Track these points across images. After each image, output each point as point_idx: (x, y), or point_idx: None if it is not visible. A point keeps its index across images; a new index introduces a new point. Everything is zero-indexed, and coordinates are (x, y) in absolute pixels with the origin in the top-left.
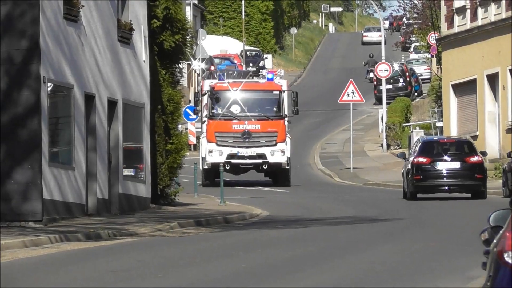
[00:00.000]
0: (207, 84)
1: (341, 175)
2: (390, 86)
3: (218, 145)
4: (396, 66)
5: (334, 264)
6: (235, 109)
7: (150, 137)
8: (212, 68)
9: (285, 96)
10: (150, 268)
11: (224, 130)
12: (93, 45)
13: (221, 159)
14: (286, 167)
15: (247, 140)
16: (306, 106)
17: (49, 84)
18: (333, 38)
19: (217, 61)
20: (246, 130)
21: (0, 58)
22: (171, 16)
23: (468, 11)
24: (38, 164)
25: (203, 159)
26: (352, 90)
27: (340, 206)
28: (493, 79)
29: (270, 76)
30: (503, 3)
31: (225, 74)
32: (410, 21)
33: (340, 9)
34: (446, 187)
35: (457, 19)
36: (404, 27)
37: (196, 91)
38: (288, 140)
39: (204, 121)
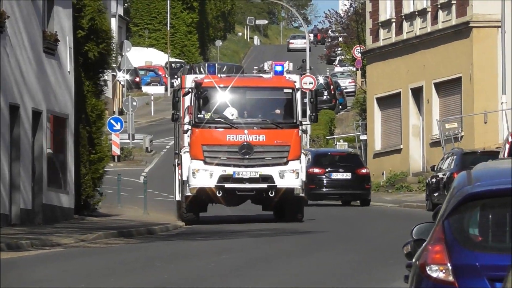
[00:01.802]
0: (190, 80)
1: None
2: None
3: (206, 163)
4: (321, 79)
5: (258, 275)
6: (231, 113)
7: (74, 147)
8: (137, 79)
9: (298, 96)
10: (73, 278)
11: (215, 143)
12: (18, 56)
13: (211, 183)
14: (300, 194)
15: (247, 156)
16: None
17: None
18: (258, 50)
19: (141, 72)
20: (245, 143)
21: None
22: (96, 26)
23: (394, 24)
24: None
25: (185, 182)
26: None
27: (263, 218)
28: (417, 93)
29: (279, 68)
30: (428, 17)
31: (212, 67)
32: (335, 34)
33: (266, 21)
34: (338, 196)
35: (382, 32)
36: (329, 40)
37: (176, 88)
38: (303, 157)
39: (187, 130)
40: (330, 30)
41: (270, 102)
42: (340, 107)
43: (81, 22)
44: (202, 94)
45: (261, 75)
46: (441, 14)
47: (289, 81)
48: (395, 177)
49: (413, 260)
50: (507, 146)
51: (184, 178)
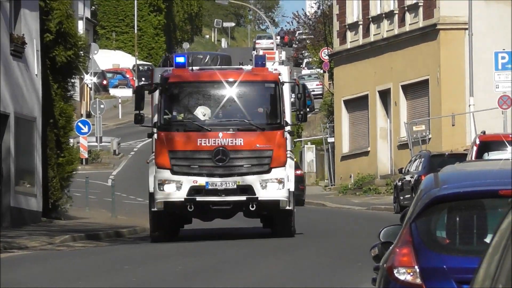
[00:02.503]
0: (159, 73)
1: None
2: None
3: (174, 172)
4: None
5: (224, 278)
6: (203, 113)
7: (41, 150)
8: (105, 82)
9: (286, 90)
10: (40, 282)
11: (185, 148)
12: None
13: (180, 195)
14: (287, 207)
15: (221, 163)
16: None
17: None
18: (225, 52)
19: (109, 75)
20: (220, 148)
21: None
22: (64, 30)
23: (361, 27)
24: None
25: (151, 195)
26: None
27: (231, 220)
28: (385, 95)
29: (260, 59)
30: (396, 19)
31: (190, 57)
32: (302, 36)
33: (233, 24)
34: None
35: (349, 34)
36: (297, 42)
37: (140, 84)
38: (290, 162)
39: (152, 134)
40: (297, 32)
41: (249, 99)
42: (308, 109)
43: (49, 26)
44: (169, 91)
45: (241, 67)
46: (408, 16)
47: (273, 73)
48: (362, 179)
49: (381, 263)
50: (475, 148)
51: (151, 190)
